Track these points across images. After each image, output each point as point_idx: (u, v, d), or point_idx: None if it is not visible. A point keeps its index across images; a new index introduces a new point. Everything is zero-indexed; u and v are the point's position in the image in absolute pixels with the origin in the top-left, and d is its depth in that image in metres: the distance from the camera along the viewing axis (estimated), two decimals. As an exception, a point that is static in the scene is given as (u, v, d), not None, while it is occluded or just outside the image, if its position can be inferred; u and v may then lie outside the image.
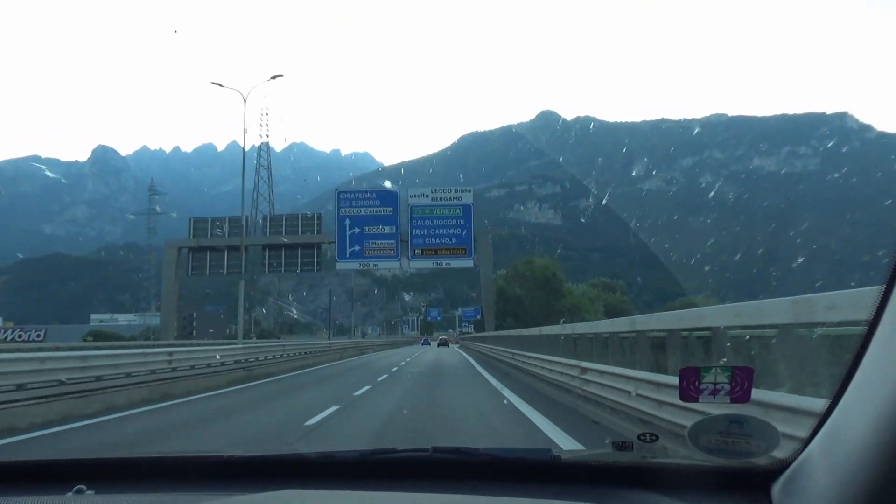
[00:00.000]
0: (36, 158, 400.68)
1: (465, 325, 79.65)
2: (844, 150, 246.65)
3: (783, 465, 1.16)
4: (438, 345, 70.59)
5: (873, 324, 0.90)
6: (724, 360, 5.29)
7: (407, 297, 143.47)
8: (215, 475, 1.65)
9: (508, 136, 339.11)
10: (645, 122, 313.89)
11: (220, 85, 31.76)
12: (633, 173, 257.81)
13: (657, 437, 1.53)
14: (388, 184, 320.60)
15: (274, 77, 32.92)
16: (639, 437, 1.56)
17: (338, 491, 1.44)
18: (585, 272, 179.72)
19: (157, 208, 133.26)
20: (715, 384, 1.33)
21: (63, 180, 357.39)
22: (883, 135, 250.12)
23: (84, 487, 1.46)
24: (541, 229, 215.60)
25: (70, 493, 1.44)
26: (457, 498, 1.33)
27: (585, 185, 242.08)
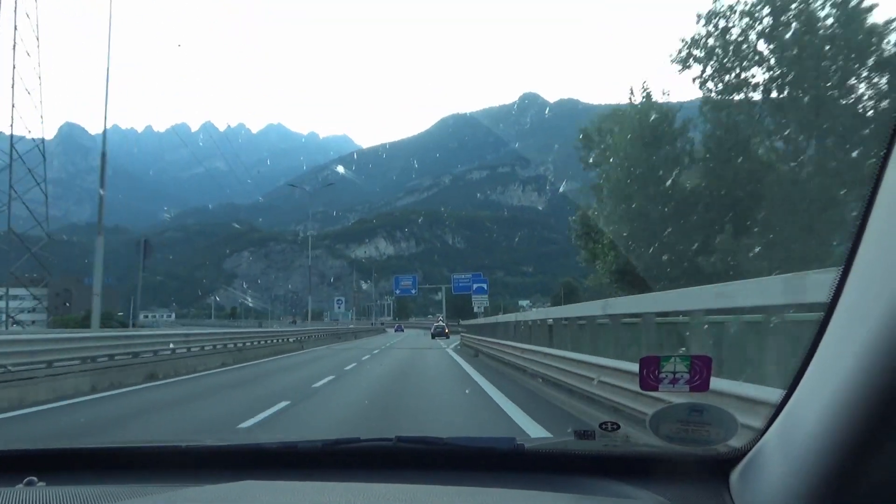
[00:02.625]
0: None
1: (479, 291, 46.07)
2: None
3: (742, 453, 1.18)
4: (434, 334, 49.35)
5: (828, 313, 0.91)
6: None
7: (367, 281, 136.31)
8: (172, 465, 1.61)
9: (490, 119, 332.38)
10: (631, 106, 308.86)
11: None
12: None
13: (619, 426, 1.55)
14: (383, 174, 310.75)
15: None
16: (601, 425, 1.58)
17: (299, 482, 1.42)
18: (570, 255, 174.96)
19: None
20: (674, 373, 1.35)
21: (29, 156, 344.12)
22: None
23: (35, 479, 1.41)
24: (523, 212, 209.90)
25: (20, 486, 1.38)
26: (420, 487, 1.34)
27: (567, 175, 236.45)
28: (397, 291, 70.01)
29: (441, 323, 55.02)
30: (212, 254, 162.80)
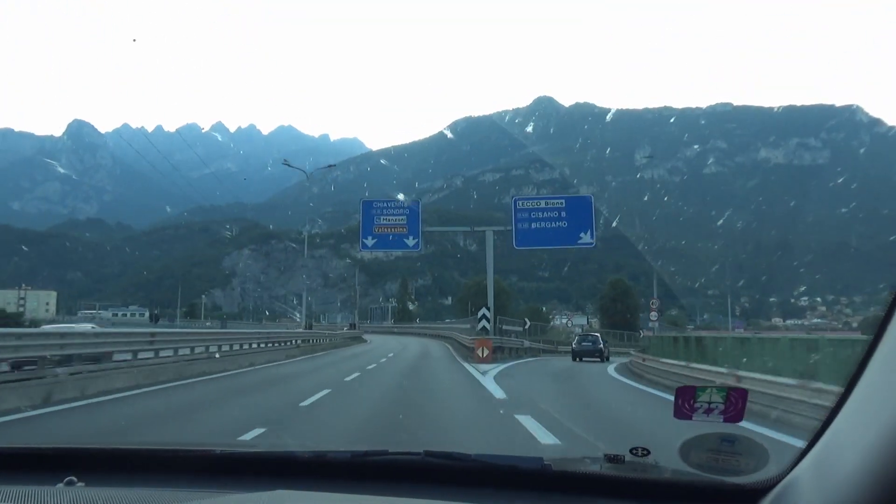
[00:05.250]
0: (8, 132, 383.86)
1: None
2: (853, 143, 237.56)
3: (771, 484, 1.17)
4: (577, 354, 28.72)
5: (872, 345, 0.87)
6: None
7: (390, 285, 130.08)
8: (206, 470, 1.64)
9: (503, 122, 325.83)
10: (647, 110, 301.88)
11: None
12: (635, 163, 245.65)
13: (649, 452, 1.55)
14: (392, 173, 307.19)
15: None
16: (631, 450, 1.58)
17: (331, 493, 1.44)
18: (588, 261, 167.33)
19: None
20: (709, 403, 1.36)
21: (38, 153, 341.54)
22: (894, 129, 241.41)
23: (75, 479, 1.42)
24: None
25: (61, 485, 1.39)
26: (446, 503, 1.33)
27: (584, 179, 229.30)
28: (367, 242, 29.24)
29: (595, 335, 32.12)
30: (212, 251, 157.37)
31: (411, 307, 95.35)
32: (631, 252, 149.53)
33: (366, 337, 50.19)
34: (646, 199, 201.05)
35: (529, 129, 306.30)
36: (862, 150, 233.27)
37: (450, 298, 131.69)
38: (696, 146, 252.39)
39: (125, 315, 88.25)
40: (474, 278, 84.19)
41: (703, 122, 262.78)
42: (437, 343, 41.77)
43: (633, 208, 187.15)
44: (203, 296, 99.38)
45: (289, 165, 44.21)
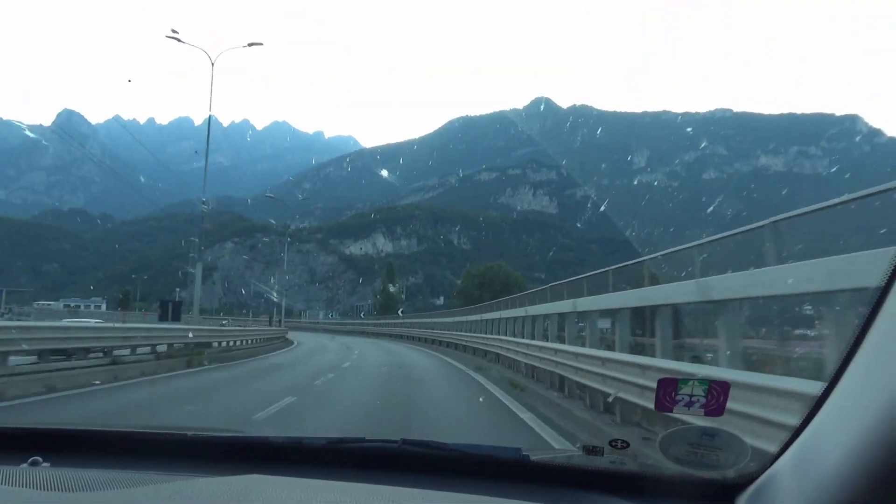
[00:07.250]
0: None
1: None
2: (854, 153, 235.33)
3: (750, 479, 1.17)
4: None
5: (854, 346, 0.86)
6: None
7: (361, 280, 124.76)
8: (178, 454, 1.60)
9: (500, 122, 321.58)
10: (646, 114, 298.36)
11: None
12: (633, 166, 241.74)
13: (628, 444, 1.55)
14: (384, 173, 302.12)
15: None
16: (610, 442, 1.57)
17: (304, 479, 1.41)
18: (585, 263, 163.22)
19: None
20: (691, 396, 1.35)
21: (25, 142, 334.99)
22: (893, 140, 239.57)
23: (40, 459, 1.39)
24: (535, 216, 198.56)
25: (25, 465, 1.36)
26: (423, 492, 1.33)
27: (581, 181, 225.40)
28: None
29: None
30: (193, 244, 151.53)
31: (392, 289, 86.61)
32: (630, 253, 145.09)
33: (295, 337, 38.25)
34: (643, 203, 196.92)
35: (527, 129, 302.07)
36: (862, 160, 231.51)
37: (442, 298, 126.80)
38: (694, 151, 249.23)
39: (78, 307, 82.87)
40: (479, 268, 77.23)
41: (702, 127, 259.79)
42: (437, 362, 22.20)
43: (632, 210, 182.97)
44: (178, 289, 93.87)
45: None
